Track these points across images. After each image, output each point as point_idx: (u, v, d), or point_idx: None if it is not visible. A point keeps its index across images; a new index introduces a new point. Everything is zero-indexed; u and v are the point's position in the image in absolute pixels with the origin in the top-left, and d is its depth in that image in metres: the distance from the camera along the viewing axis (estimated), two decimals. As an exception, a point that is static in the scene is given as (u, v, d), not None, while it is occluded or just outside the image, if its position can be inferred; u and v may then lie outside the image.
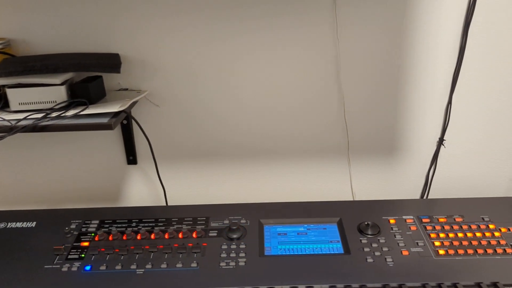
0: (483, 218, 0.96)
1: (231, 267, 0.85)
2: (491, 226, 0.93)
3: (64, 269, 0.85)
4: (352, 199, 1.19)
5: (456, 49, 1.01)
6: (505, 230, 0.92)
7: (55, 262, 0.86)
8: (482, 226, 0.93)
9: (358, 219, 0.96)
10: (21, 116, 0.85)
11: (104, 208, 1.03)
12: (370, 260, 0.85)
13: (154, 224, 0.96)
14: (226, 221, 0.97)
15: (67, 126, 0.85)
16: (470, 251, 0.87)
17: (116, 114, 0.89)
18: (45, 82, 0.88)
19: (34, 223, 0.98)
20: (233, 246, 0.90)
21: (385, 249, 0.88)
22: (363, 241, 0.90)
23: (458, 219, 0.95)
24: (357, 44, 0.99)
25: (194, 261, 0.86)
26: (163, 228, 0.95)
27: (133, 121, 1.03)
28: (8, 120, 0.84)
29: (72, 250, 0.89)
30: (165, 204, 1.14)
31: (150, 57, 1.01)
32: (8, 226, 0.97)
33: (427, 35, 0.99)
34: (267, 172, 1.16)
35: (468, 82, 1.05)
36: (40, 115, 0.85)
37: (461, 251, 0.87)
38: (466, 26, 0.98)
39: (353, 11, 0.96)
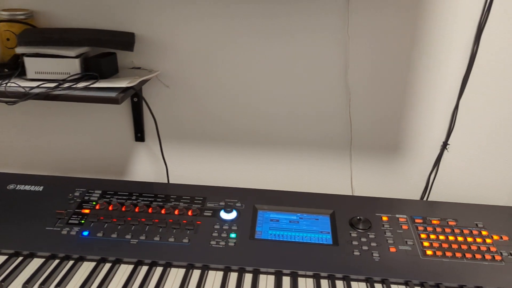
0: (477, 224, 0.96)
1: (221, 246, 0.88)
2: (484, 233, 0.93)
3: (64, 232, 0.89)
4: (351, 195, 1.20)
5: (468, 54, 1.00)
6: (498, 237, 0.92)
7: (56, 225, 0.91)
8: (475, 232, 0.93)
9: (352, 213, 0.98)
10: (35, 84, 0.90)
11: (108, 180, 1.07)
12: (356, 253, 0.87)
13: (153, 199, 1.00)
14: (222, 203, 1.00)
15: (77, 97, 0.89)
16: (458, 255, 0.87)
17: (124, 90, 0.92)
18: (61, 54, 0.92)
19: (42, 187, 1.03)
20: (226, 227, 0.93)
21: (373, 244, 0.89)
22: (352, 235, 0.92)
23: (452, 223, 0.96)
24: (368, 42, 1.00)
25: (186, 237, 0.89)
26: (161, 203, 0.98)
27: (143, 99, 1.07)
28: (23, 87, 0.89)
29: (73, 216, 0.94)
30: (166, 182, 1.18)
31: (165, 39, 1.04)
32: (17, 188, 1.02)
33: (439, 38, 0.99)
34: (269, 160, 1.18)
35: (477, 88, 1.04)
36: (53, 85, 0.89)
37: (449, 254, 0.87)
38: (479, 32, 0.97)
39: (366, 10, 0.96)
